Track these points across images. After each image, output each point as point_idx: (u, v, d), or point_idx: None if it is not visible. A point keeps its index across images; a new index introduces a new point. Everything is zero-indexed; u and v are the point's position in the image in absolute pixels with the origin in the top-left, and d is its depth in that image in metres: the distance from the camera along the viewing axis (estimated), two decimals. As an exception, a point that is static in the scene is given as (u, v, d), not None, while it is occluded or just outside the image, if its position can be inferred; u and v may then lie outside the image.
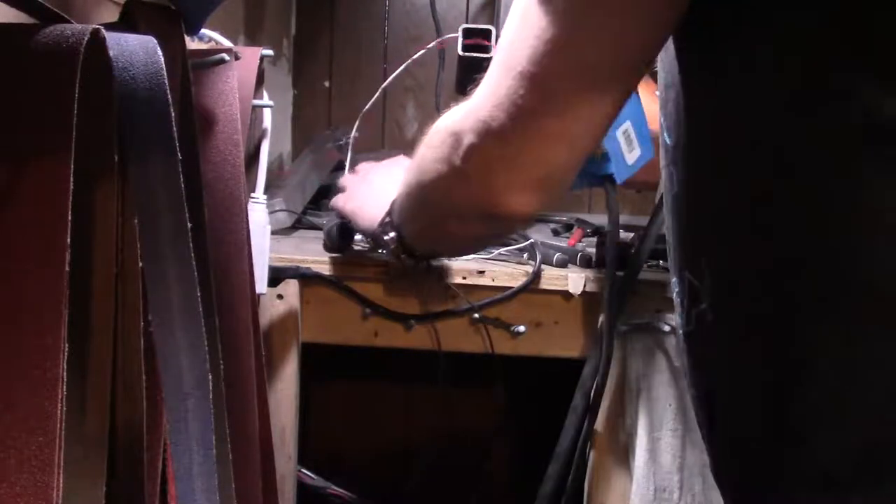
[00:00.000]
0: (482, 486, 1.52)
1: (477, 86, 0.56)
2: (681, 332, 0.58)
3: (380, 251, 0.84)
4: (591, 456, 0.93)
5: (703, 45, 0.49)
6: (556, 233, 1.22)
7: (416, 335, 0.93)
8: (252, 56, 0.71)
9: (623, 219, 1.29)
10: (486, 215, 0.59)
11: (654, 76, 0.60)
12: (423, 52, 1.13)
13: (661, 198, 0.70)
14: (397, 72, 1.11)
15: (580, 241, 1.09)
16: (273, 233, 0.90)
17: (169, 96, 0.41)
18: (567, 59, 0.50)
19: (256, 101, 0.73)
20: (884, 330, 0.45)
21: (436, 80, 1.50)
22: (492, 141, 0.54)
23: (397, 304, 0.93)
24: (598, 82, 0.52)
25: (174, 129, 0.42)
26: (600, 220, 1.27)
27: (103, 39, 0.38)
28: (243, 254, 0.64)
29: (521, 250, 0.97)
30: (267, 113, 0.78)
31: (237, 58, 0.67)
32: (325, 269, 0.92)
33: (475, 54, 1.20)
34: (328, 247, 0.95)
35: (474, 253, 0.93)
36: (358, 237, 0.94)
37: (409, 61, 1.11)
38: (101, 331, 0.41)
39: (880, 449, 0.46)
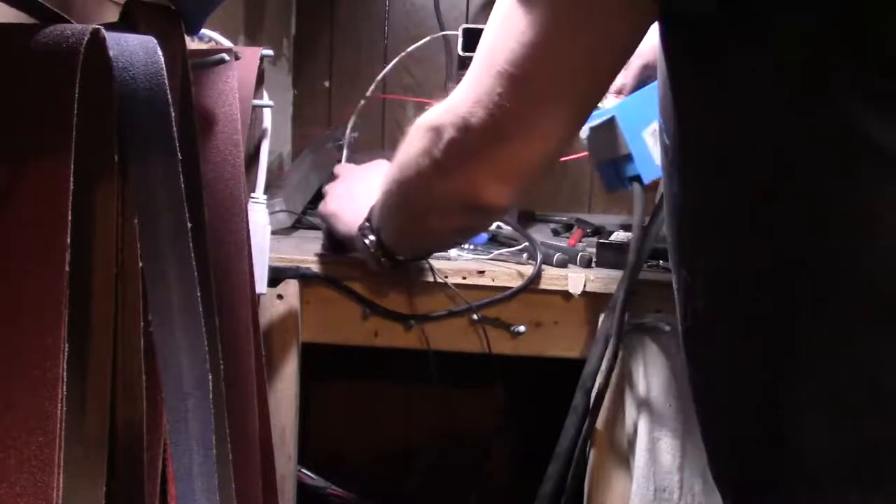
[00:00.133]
0: (482, 486, 1.52)
1: None
2: (679, 329, 0.58)
3: (358, 254, 0.85)
4: (592, 456, 0.93)
5: (704, 46, 0.49)
6: (556, 233, 1.22)
7: (416, 335, 0.93)
8: (252, 56, 0.71)
9: (623, 219, 1.29)
10: (466, 207, 0.62)
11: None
12: (422, 42, 1.16)
13: (661, 198, 0.70)
14: (394, 62, 1.15)
15: (580, 241, 1.09)
16: (273, 233, 0.90)
17: (169, 96, 0.41)
18: (545, 62, 0.52)
19: (256, 101, 0.73)
20: (884, 330, 0.45)
21: (436, 79, 1.50)
22: (471, 136, 0.56)
23: (397, 304, 0.93)
24: (575, 84, 0.54)
25: (174, 129, 0.42)
26: (600, 220, 1.27)
27: (103, 39, 0.38)
28: (243, 254, 0.64)
29: (521, 250, 0.97)
30: (267, 113, 0.78)
31: (237, 58, 0.67)
32: (325, 270, 0.92)
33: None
34: (327, 247, 0.95)
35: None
36: None
37: (404, 53, 1.13)
38: (101, 331, 0.41)
39: (880, 449, 0.46)
